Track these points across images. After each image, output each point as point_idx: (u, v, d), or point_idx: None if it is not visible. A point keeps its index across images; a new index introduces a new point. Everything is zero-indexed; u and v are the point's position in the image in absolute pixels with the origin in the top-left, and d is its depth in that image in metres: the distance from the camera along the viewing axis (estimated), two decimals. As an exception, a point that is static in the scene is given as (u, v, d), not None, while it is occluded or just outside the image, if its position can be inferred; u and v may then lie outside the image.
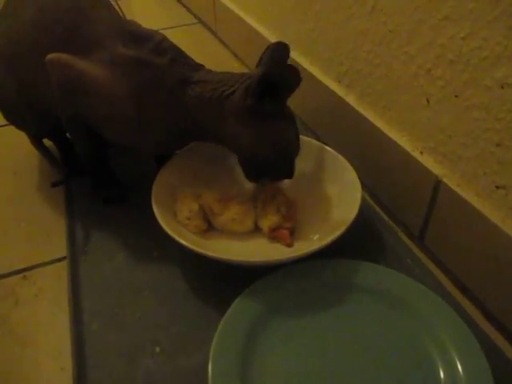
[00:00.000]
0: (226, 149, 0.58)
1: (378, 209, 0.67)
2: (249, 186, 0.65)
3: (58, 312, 0.56)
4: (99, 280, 0.58)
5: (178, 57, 0.57)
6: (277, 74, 0.50)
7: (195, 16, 1.30)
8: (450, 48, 0.49)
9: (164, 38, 0.58)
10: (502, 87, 0.45)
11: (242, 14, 0.99)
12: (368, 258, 0.56)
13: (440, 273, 0.58)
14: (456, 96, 0.50)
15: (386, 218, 0.66)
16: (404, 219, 0.63)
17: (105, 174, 0.68)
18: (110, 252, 0.62)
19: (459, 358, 0.46)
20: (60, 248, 0.63)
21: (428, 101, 0.54)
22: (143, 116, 0.57)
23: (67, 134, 0.74)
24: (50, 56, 0.58)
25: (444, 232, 0.56)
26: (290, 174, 0.58)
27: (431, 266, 0.59)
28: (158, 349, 0.51)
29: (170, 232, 0.54)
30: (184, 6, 1.37)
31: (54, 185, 0.70)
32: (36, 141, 0.75)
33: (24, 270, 0.61)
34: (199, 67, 0.57)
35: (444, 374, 0.45)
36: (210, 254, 0.52)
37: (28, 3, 0.61)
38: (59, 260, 0.62)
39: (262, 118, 0.53)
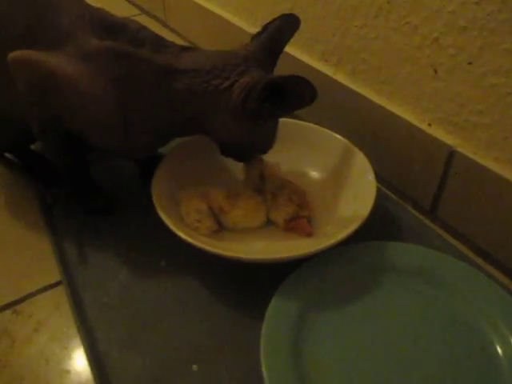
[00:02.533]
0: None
1: (381, 186, 0.65)
2: (251, 179, 0.61)
3: (66, 344, 0.49)
4: (107, 302, 0.52)
5: (160, 45, 0.51)
6: (286, 85, 0.46)
7: (138, 7, 1.22)
8: (461, 14, 0.48)
9: (142, 27, 0.52)
10: (525, 49, 0.44)
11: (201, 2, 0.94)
12: (385, 237, 0.55)
13: (459, 243, 0.58)
14: (469, 63, 0.50)
15: (392, 194, 0.65)
16: (413, 194, 0.62)
17: (87, 184, 0.61)
18: (110, 269, 0.55)
19: (510, 329, 0.45)
20: (50, 273, 0.56)
21: (436, 71, 0.53)
22: (126, 114, 0.50)
23: (31, 146, 0.66)
24: (14, 54, 0.50)
25: (460, 202, 0.56)
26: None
27: (449, 238, 0.59)
28: (195, 367, 0.46)
29: (190, 240, 0.49)
30: (122, -4, 1.28)
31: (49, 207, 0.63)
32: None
33: (13, 303, 0.53)
34: (185, 51, 0.51)
35: (500, 348, 0.44)
36: (242, 256, 0.48)
37: None
38: (53, 286, 0.55)
39: (254, 118, 0.50)
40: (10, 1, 0.51)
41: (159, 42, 0.51)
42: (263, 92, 0.46)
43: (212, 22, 0.90)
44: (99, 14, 0.53)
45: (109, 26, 0.51)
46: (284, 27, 0.51)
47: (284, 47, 0.53)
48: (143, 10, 1.20)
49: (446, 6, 0.49)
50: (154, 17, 1.15)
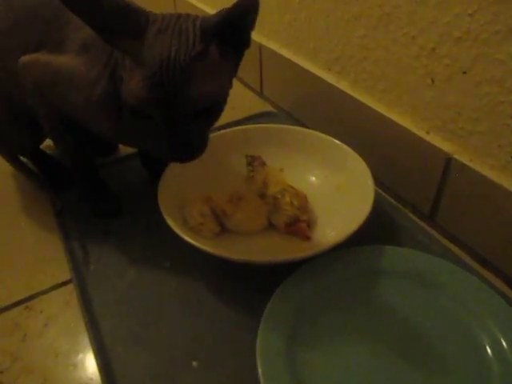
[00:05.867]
0: (223, 146, 0.62)
1: (381, 191, 0.67)
2: (254, 184, 0.63)
3: (74, 339, 0.52)
4: (113, 300, 0.54)
5: None
6: None
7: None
8: (456, 25, 0.50)
9: None
10: (516, 59, 0.46)
11: (208, 9, 0.96)
12: (384, 241, 0.56)
13: (457, 248, 0.59)
14: (464, 72, 0.51)
15: (392, 200, 0.66)
16: (412, 200, 0.64)
17: (96, 185, 0.64)
18: (118, 269, 0.58)
19: (501, 331, 0.46)
20: (61, 271, 0.58)
21: (433, 80, 0.55)
22: (118, 95, 0.50)
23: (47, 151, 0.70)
24: (24, 59, 0.54)
25: (458, 208, 0.57)
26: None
27: (447, 243, 0.60)
28: (195, 363, 0.48)
29: (193, 242, 0.51)
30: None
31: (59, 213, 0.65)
32: (13, 160, 0.69)
33: (25, 300, 0.56)
34: None
35: (491, 352, 0.45)
36: (242, 258, 0.50)
37: None
38: (63, 284, 0.57)
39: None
40: (27, 19, 0.55)
41: None
42: None
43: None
44: None
45: None
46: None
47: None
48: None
49: (441, 18, 0.51)
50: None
